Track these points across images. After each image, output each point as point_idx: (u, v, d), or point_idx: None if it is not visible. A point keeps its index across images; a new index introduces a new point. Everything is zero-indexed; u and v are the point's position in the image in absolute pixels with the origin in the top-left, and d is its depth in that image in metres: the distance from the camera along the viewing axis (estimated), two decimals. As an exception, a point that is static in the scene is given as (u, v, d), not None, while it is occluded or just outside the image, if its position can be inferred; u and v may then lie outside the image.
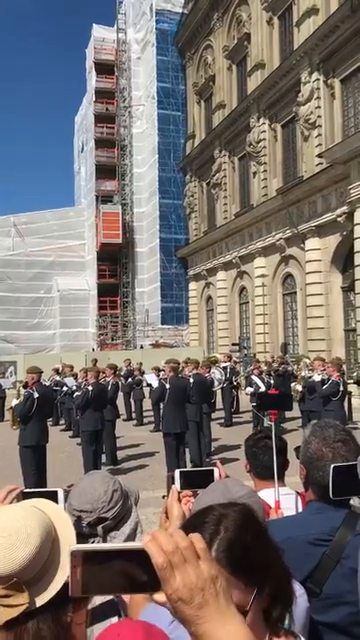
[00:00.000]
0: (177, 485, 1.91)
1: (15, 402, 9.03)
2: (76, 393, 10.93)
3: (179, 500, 1.83)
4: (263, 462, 2.86)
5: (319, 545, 1.87)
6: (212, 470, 1.99)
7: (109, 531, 1.87)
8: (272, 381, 15.17)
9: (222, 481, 1.78)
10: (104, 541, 1.85)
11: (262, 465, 2.87)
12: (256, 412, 13.51)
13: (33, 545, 1.35)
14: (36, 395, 8.76)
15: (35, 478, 8.48)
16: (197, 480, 1.95)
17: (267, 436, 2.94)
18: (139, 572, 0.89)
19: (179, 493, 1.87)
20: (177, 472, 1.94)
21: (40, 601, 1.35)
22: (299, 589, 1.52)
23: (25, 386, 9.07)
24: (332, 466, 1.68)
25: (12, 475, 9.18)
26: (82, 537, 1.75)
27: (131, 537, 1.89)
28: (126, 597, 1.68)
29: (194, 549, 0.88)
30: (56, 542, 1.45)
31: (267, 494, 2.78)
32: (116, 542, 1.87)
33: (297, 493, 2.81)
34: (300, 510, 2.67)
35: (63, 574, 1.42)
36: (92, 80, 43.55)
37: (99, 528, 1.85)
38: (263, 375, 15.43)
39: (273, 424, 2.91)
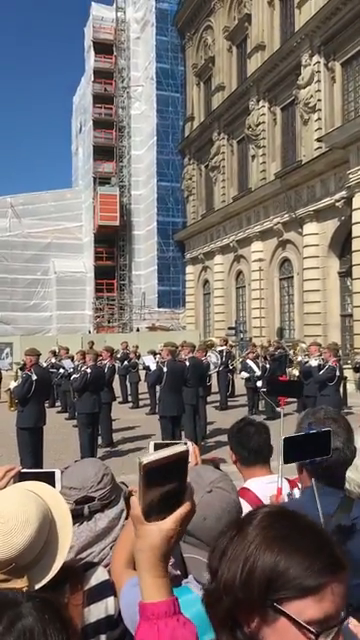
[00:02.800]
0: None
1: (13, 384, 9.05)
2: (74, 375, 10.93)
3: None
4: (249, 446, 2.74)
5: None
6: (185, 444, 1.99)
7: (95, 512, 1.90)
8: (268, 365, 15.20)
9: (193, 468, 1.77)
10: (88, 520, 1.88)
11: (249, 449, 2.74)
12: (264, 397, 13.50)
13: (31, 530, 1.35)
14: (34, 377, 8.77)
15: (32, 460, 8.52)
16: None
17: (250, 422, 2.87)
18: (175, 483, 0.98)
19: None
20: (151, 444, 1.94)
21: (38, 584, 1.37)
22: None
23: (23, 368, 9.09)
24: (283, 437, 1.76)
25: (8, 456, 9.25)
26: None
27: (115, 520, 1.93)
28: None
29: None
30: (53, 525, 1.46)
31: (256, 484, 2.66)
32: (101, 523, 1.89)
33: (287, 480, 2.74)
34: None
35: (60, 557, 1.44)
36: (91, 60, 42.93)
37: (85, 507, 1.87)
38: (258, 359, 15.44)
39: (282, 410, 2.91)
